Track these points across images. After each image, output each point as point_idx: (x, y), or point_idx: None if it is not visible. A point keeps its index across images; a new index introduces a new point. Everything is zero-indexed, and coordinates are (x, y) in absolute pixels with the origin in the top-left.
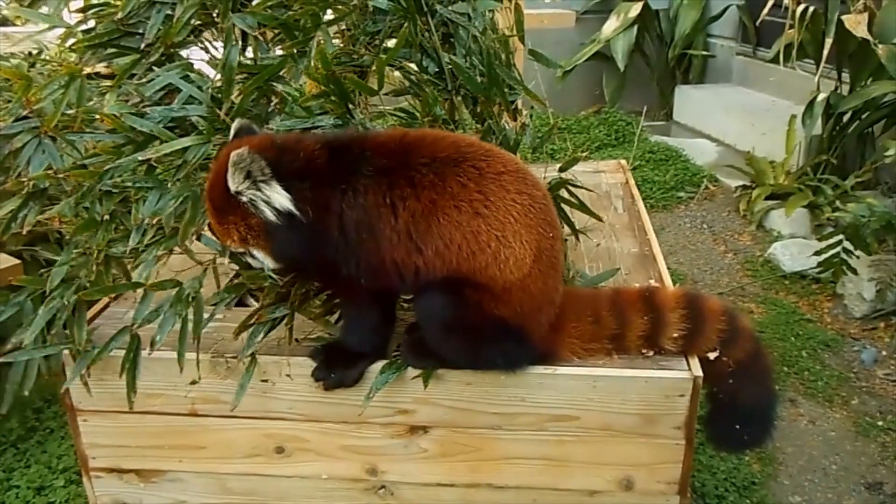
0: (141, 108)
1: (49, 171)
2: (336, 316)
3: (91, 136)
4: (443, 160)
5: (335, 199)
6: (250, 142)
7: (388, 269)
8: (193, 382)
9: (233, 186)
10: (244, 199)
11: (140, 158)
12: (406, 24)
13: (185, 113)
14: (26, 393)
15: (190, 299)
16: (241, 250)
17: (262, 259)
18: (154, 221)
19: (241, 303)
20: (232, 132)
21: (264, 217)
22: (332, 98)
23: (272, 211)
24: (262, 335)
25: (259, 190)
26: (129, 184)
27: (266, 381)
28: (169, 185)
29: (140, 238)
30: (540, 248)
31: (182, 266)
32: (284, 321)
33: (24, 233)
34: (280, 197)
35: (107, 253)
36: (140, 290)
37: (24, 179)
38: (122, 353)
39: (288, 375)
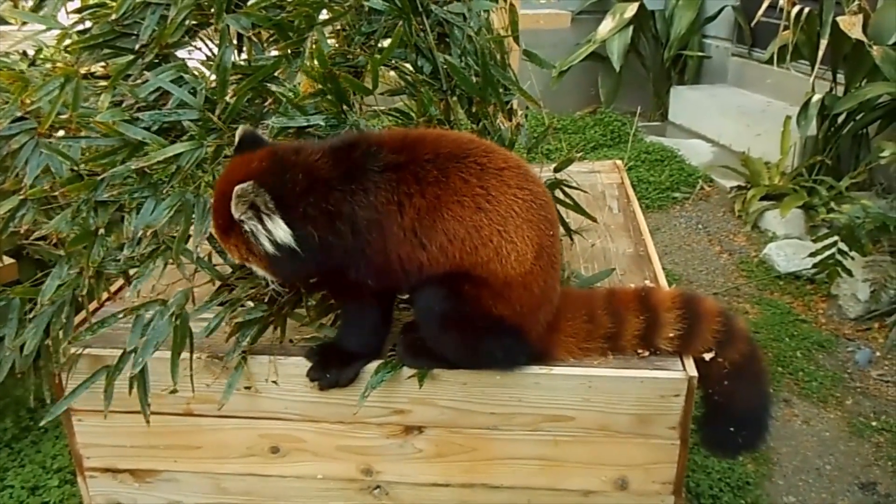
0: (136, 109)
1: (45, 188)
2: (329, 318)
3: (86, 141)
4: (445, 156)
5: (346, 203)
6: (255, 163)
7: (394, 266)
8: (173, 392)
9: (236, 214)
10: (246, 228)
11: (133, 167)
12: (400, 24)
13: (178, 117)
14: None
15: (175, 318)
16: (243, 265)
17: (263, 274)
18: (149, 233)
19: None
20: (236, 139)
21: (264, 248)
22: (328, 97)
23: (272, 244)
24: (249, 336)
25: (261, 222)
26: (126, 196)
27: (249, 387)
28: (164, 191)
29: (134, 248)
30: (541, 245)
31: (173, 275)
32: (274, 324)
33: (22, 231)
34: (282, 232)
35: (99, 269)
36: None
37: (23, 189)
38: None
39: (274, 382)
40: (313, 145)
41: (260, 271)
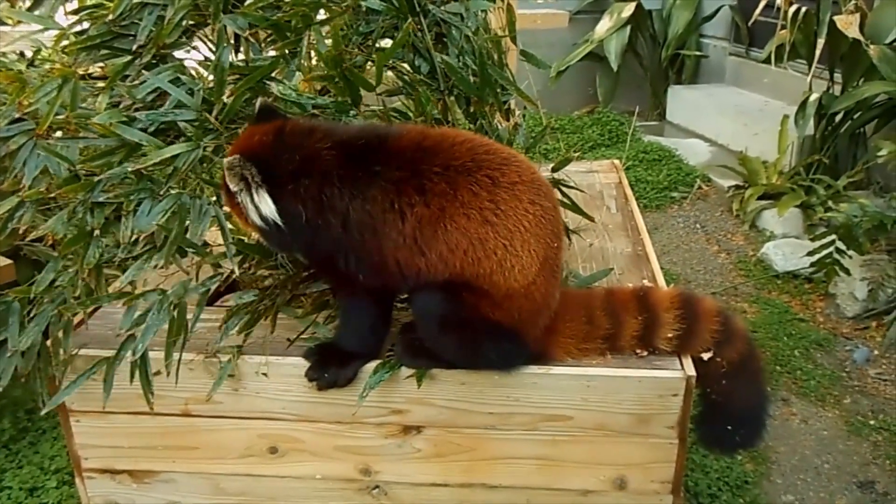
0: (133, 109)
1: (42, 190)
2: (322, 316)
3: (84, 142)
4: (456, 168)
5: (342, 201)
6: (257, 136)
7: (391, 267)
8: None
9: (231, 186)
10: (238, 200)
11: (130, 169)
12: (409, 22)
13: (175, 117)
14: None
15: (172, 307)
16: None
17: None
18: (143, 237)
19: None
20: (256, 109)
21: (251, 221)
22: (337, 82)
23: (259, 217)
24: (238, 325)
25: (250, 195)
26: (122, 198)
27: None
28: (160, 192)
29: (130, 249)
30: (546, 257)
31: (171, 269)
32: (265, 315)
33: (21, 232)
34: (266, 207)
35: (96, 264)
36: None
37: (21, 189)
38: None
39: (264, 374)
40: (328, 130)
41: (261, 239)
